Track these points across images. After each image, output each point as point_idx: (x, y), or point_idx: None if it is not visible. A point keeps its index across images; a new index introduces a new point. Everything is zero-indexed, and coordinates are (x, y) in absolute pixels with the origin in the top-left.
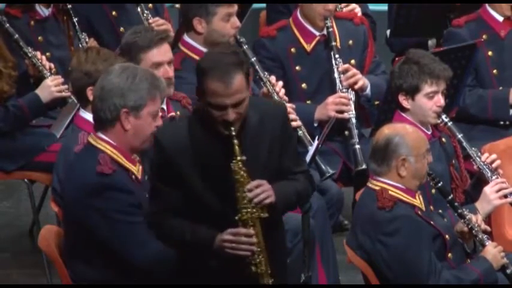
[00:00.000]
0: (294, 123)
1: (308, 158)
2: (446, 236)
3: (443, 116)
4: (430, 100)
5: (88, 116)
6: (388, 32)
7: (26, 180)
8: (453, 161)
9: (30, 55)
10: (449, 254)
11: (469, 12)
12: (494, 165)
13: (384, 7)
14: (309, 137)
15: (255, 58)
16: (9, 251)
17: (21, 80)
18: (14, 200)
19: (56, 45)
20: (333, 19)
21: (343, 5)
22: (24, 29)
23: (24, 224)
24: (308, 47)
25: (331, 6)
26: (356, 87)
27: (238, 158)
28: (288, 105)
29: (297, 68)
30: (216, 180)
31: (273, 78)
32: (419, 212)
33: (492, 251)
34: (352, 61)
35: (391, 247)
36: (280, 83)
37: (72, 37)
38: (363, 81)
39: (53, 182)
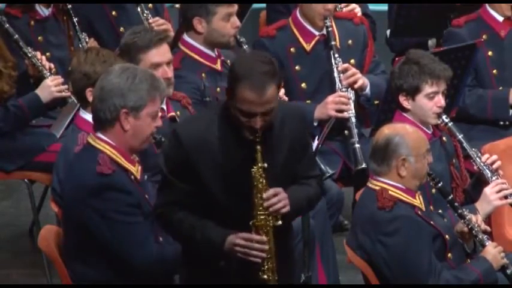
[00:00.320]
0: None
1: None
2: (446, 236)
3: (444, 117)
4: (430, 100)
5: (88, 117)
6: (388, 32)
7: (26, 180)
8: (453, 160)
9: (30, 55)
10: (449, 254)
11: (469, 12)
12: (494, 166)
13: (384, 7)
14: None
15: None
16: (9, 251)
17: (21, 80)
18: (14, 200)
19: (56, 45)
20: (333, 19)
21: (343, 5)
22: (24, 29)
23: (24, 224)
24: (308, 47)
25: (330, 5)
26: (356, 86)
27: (260, 164)
28: None
29: (297, 67)
30: (232, 181)
31: None
32: (419, 212)
33: (492, 251)
34: (352, 61)
35: (391, 247)
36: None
37: (72, 37)
38: (362, 80)
39: (53, 182)
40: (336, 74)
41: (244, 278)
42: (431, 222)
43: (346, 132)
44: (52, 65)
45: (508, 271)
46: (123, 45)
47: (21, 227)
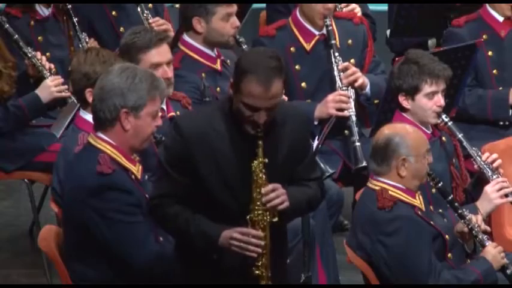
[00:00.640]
0: None
1: None
2: (446, 236)
3: (444, 116)
4: (430, 100)
5: (88, 117)
6: (388, 32)
7: (26, 180)
8: (453, 160)
9: (30, 55)
10: (449, 254)
11: (469, 12)
12: (495, 164)
13: (384, 7)
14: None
15: None
16: (9, 251)
17: (21, 80)
18: (14, 200)
19: (56, 45)
20: (333, 19)
21: (343, 5)
22: (24, 29)
23: (24, 224)
24: (308, 46)
25: (330, 5)
26: (356, 85)
27: (260, 159)
28: None
29: (297, 67)
30: (230, 177)
31: None
32: (419, 212)
33: (492, 252)
34: (352, 60)
35: (391, 247)
36: None
37: (72, 37)
38: (362, 79)
39: (53, 182)
40: (336, 73)
41: (236, 273)
42: (431, 222)
43: (346, 132)
44: (52, 65)
45: (508, 271)
46: (123, 46)
47: (21, 227)
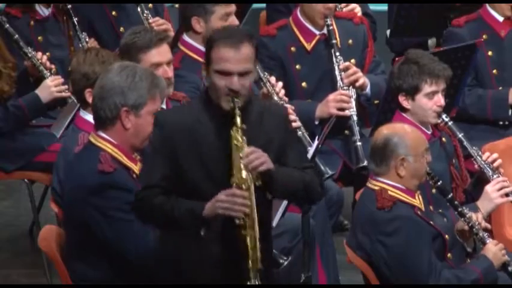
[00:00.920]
0: (293, 124)
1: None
2: (446, 236)
3: (444, 116)
4: (430, 100)
5: (88, 117)
6: (388, 32)
7: (26, 180)
8: (453, 161)
9: (30, 55)
10: (449, 255)
11: (469, 12)
12: (495, 164)
13: (384, 7)
14: (308, 138)
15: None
16: (9, 251)
17: (21, 80)
18: (14, 200)
19: (56, 45)
20: (333, 18)
21: (343, 4)
22: (24, 29)
23: (24, 224)
24: (308, 46)
25: (331, 4)
26: (357, 85)
27: (239, 125)
28: (288, 106)
29: (297, 67)
30: (214, 167)
31: (272, 79)
32: (418, 212)
33: (493, 249)
34: (352, 60)
35: (391, 247)
36: (280, 84)
37: (72, 37)
38: (363, 79)
39: (53, 182)
40: (337, 73)
41: (224, 246)
42: (431, 222)
43: (346, 131)
44: (52, 65)
45: (510, 268)
46: (123, 46)
47: (21, 227)
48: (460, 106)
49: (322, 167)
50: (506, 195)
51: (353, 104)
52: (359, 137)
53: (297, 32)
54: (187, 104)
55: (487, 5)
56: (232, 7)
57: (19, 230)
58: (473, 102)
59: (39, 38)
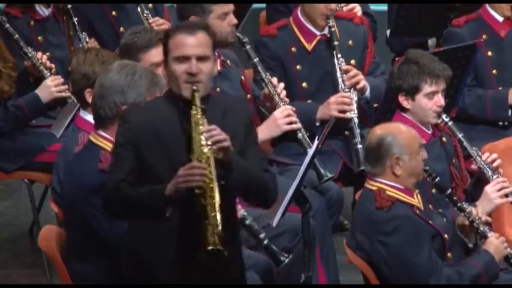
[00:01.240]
0: (294, 126)
1: (307, 159)
2: (445, 236)
3: (444, 116)
4: (430, 100)
5: (88, 117)
6: (388, 32)
7: (26, 180)
8: (453, 161)
9: (30, 55)
10: (449, 254)
11: (469, 12)
12: (495, 164)
13: (384, 7)
14: (308, 139)
15: (257, 59)
16: (9, 251)
17: (21, 80)
18: (14, 200)
19: (56, 45)
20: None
21: (343, 4)
22: (24, 29)
23: (24, 224)
24: (309, 47)
25: (333, 5)
26: (358, 87)
27: (198, 105)
28: (288, 107)
29: (298, 67)
30: (179, 160)
31: (274, 80)
32: (417, 212)
33: (495, 242)
34: (352, 61)
35: (390, 246)
36: (282, 85)
37: (72, 37)
38: (364, 82)
39: (53, 182)
40: (338, 75)
41: (190, 225)
42: (430, 221)
43: (346, 132)
44: (52, 65)
45: None
46: (122, 46)
47: (21, 227)
48: (460, 106)
49: (321, 170)
50: (506, 195)
51: (354, 106)
52: (360, 140)
53: (298, 32)
54: (151, 100)
55: (486, 5)
56: (230, 6)
57: (19, 230)
58: (473, 103)
59: (39, 38)
